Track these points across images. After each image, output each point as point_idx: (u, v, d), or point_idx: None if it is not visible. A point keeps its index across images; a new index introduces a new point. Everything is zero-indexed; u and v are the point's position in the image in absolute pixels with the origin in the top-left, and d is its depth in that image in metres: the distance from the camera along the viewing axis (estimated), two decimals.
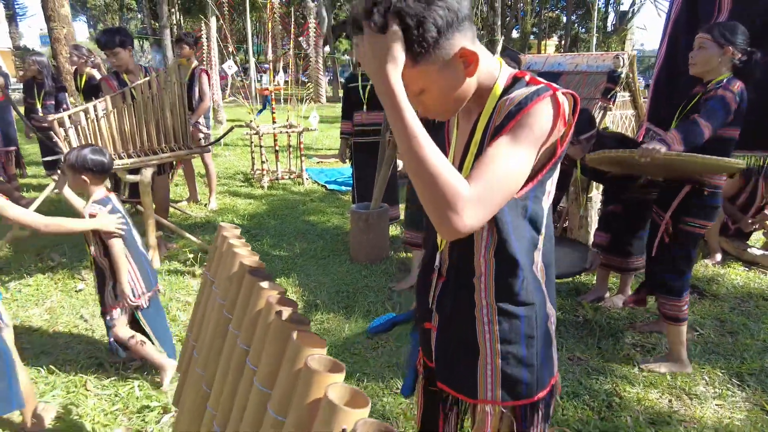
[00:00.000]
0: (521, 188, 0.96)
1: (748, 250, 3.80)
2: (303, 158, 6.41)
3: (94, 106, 3.03)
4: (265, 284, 1.14)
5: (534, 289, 1.05)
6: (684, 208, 2.31)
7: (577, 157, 2.76)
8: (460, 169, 1.02)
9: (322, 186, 6.32)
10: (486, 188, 0.85)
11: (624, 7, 35.66)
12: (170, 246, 4.00)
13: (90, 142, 3.06)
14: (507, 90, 0.95)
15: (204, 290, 1.58)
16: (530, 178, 0.96)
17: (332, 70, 25.50)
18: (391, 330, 1.34)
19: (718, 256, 3.83)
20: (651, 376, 2.37)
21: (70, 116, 2.92)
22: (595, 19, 18.38)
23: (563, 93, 0.91)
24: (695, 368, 2.43)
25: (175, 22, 23.38)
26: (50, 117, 2.84)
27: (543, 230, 1.04)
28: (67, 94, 5.62)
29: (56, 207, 5.24)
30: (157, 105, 3.30)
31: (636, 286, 2.86)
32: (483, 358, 1.06)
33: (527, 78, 0.96)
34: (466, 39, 0.90)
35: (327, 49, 22.19)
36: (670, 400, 2.22)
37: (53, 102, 5.05)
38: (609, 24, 34.13)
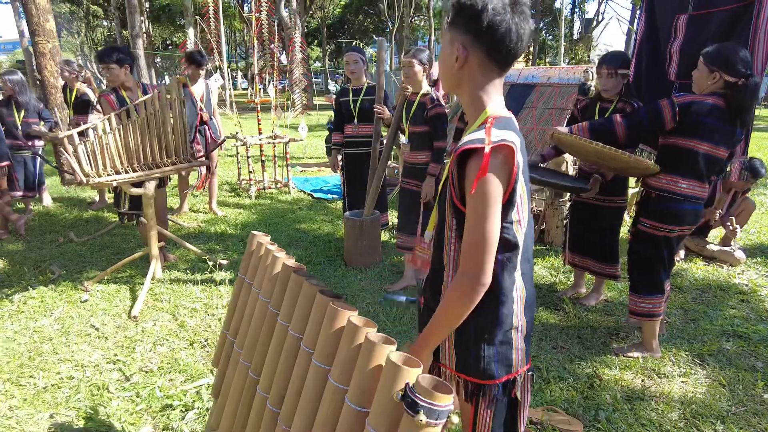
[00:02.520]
0: None
1: (707, 246, 4.17)
2: (289, 168, 6.59)
3: (102, 123, 3.17)
4: (313, 281, 1.36)
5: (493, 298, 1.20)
6: (640, 209, 2.62)
7: (611, 92, 2.96)
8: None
9: (309, 194, 6.51)
10: (472, 254, 1.11)
11: (589, 15, 36.87)
12: (170, 257, 4.13)
13: (96, 157, 3.19)
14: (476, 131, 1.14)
15: (240, 292, 1.77)
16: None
17: (308, 75, 25.56)
18: (402, 304, 1.49)
19: (682, 253, 4.19)
20: (626, 360, 2.67)
21: (79, 133, 3.05)
22: (563, 26, 19.03)
23: (494, 147, 1.08)
24: (663, 351, 2.73)
25: (144, 30, 23.18)
26: (61, 134, 2.97)
27: (518, 253, 1.20)
28: (49, 109, 5.67)
29: (46, 221, 5.29)
30: (159, 121, 3.45)
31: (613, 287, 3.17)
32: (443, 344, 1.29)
33: (489, 122, 1.13)
34: (470, 45, 1.14)
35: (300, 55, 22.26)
36: (642, 380, 2.52)
37: (37, 119, 5.08)
38: (575, 31, 35.29)
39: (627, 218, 5.03)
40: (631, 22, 28.74)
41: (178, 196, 5.69)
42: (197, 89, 4.99)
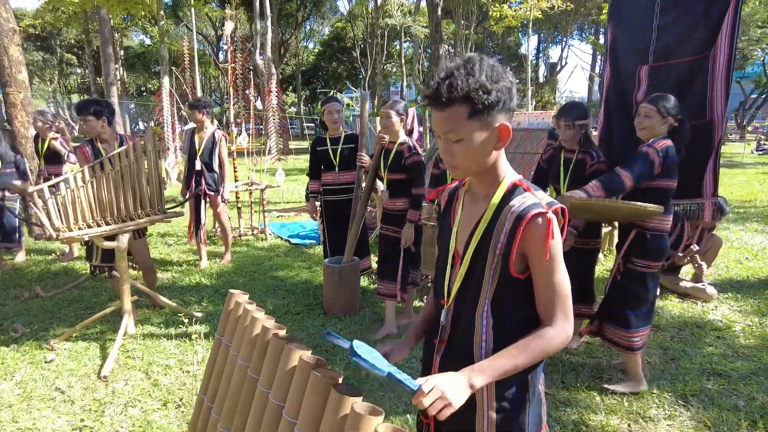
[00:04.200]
0: (525, 272, 1.18)
1: (681, 283, 4.26)
2: (266, 214, 6.54)
3: (74, 176, 3.11)
4: (293, 345, 1.32)
5: None
6: (632, 250, 2.69)
7: (571, 143, 3.10)
8: (466, 246, 1.23)
9: (286, 240, 6.45)
10: (563, 306, 1.17)
11: (553, 60, 38.71)
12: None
13: (68, 211, 3.11)
14: (508, 196, 1.18)
15: (218, 354, 1.71)
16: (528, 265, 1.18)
17: (283, 123, 25.92)
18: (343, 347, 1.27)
19: (657, 291, 4.27)
20: (611, 404, 2.65)
21: (50, 187, 2.99)
22: (529, 71, 19.89)
23: (553, 210, 1.13)
24: (648, 393, 2.73)
25: (119, 77, 23.30)
26: (30, 189, 2.90)
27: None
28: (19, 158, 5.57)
29: (11, 275, 5.09)
30: (133, 172, 3.41)
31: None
32: (480, 417, 1.23)
33: (524, 186, 1.18)
34: (508, 121, 1.15)
35: (275, 102, 22.59)
36: (629, 425, 2.49)
37: (14, 169, 4.99)
38: (541, 75, 36.87)
39: (601, 257, 5.12)
40: (593, 68, 30.25)
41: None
42: (205, 136, 5.03)
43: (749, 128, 30.41)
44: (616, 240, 3.05)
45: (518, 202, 1.15)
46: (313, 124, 27.92)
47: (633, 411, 2.59)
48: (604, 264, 5.02)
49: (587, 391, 2.78)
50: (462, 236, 1.26)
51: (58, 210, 3.08)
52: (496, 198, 1.19)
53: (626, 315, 2.71)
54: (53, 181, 3.12)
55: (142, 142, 3.46)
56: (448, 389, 1.05)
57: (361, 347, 1.11)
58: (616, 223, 3.29)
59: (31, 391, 2.89)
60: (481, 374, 1.11)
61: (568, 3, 17.79)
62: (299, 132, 37.02)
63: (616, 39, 3.53)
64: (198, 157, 5.01)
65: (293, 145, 21.31)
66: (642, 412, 2.58)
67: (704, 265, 4.22)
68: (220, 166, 5.11)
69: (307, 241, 6.27)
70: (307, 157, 4.67)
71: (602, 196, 2.46)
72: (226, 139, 5.14)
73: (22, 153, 5.71)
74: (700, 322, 3.69)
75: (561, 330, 1.15)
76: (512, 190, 1.19)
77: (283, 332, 1.40)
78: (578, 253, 3.12)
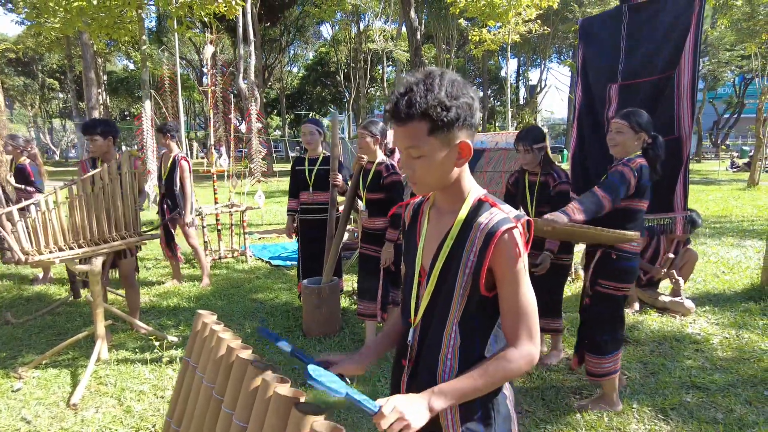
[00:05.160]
0: (493, 290, 1.16)
1: (660, 297, 4.30)
2: (246, 236, 6.49)
3: (45, 199, 3.06)
4: (257, 364, 1.29)
5: None
6: (598, 272, 2.64)
7: (531, 166, 3.14)
8: (433, 263, 1.20)
9: (266, 262, 6.38)
10: (528, 325, 1.14)
11: (533, 82, 39.59)
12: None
13: (39, 234, 3.05)
14: (474, 211, 1.16)
15: (185, 376, 1.66)
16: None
17: (265, 146, 26.06)
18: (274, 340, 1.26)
19: (636, 305, 4.30)
20: (591, 419, 2.63)
21: (20, 209, 2.93)
22: (509, 93, 20.28)
23: (521, 223, 1.13)
24: (627, 408, 2.72)
25: (101, 102, 23.23)
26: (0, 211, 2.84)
27: None
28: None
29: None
30: (108, 194, 3.37)
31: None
32: None
33: (490, 201, 1.17)
34: (469, 138, 1.13)
35: (260, 125, 22.70)
36: None
37: None
38: (521, 97, 37.63)
39: (575, 275, 5.16)
40: (571, 90, 31.02)
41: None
42: (169, 160, 5.07)
43: (723, 146, 31.30)
44: (583, 260, 3.04)
45: (486, 219, 1.13)
46: (299, 147, 28.05)
47: (613, 427, 2.58)
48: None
49: (567, 408, 2.76)
50: (428, 253, 1.24)
51: (28, 233, 3.02)
52: (462, 214, 1.17)
53: (602, 340, 2.64)
54: (23, 203, 3.06)
55: (117, 164, 3.43)
56: (408, 411, 1.03)
57: (316, 370, 1.09)
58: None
59: None
60: (441, 397, 1.09)
61: (545, 27, 18.30)
62: (284, 155, 37.08)
63: (586, 59, 3.63)
64: (163, 180, 5.10)
65: (277, 167, 21.30)
66: (622, 428, 2.57)
67: (681, 281, 4.27)
68: (182, 190, 5.08)
69: (288, 263, 6.21)
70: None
71: (582, 219, 2.36)
72: (188, 162, 5.12)
73: None
74: (679, 335, 3.72)
75: (524, 352, 1.12)
76: (479, 206, 1.17)
77: (248, 352, 1.37)
78: (550, 269, 3.13)
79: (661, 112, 3.21)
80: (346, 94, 37.54)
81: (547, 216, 2.34)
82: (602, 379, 2.66)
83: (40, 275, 5.59)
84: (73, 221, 3.22)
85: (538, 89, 36.63)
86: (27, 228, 3.01)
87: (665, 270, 4.31)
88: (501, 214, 1.13)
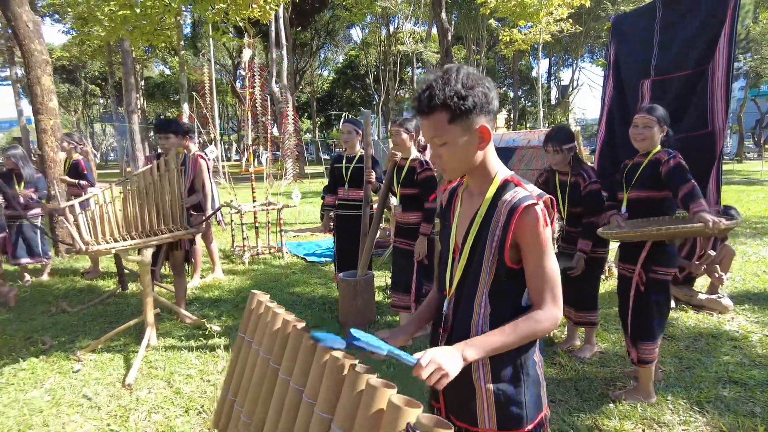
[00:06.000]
0: (519, 263, 1.26)
1: (696, 295, 4.25)
2: (282, 233, 6.69)
3: (102, 193, 3.29)
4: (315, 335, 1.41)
5: None
6: (652, 259, 2.65)
7: (561, 166, 3.17)
8: (464, 239, 1.34)
9: (302, 258, 6.57)
10: (553, 291, 1.25)
11: (564, 82, 38.96)
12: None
13: (97, 227, 3.28)
14: (501, 191, 1.27)
15: (240, 351, 1.80)
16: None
17: (298, 148, 26.52)
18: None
19: (672, 303, 4.26)
20: (625, 409, 2.66)
21: (81, 203, 3.15)
22: (540, 93, 20.09)
23: (543, 201, 1.22)
24: (662, 400, 2.74)
25: (139, 106, 24.19)
26: (63, 204, 3.07)
27: None
28: (48, 182, 5.84)
29: (39, 291, 5.27)
30: (157, 190, 3.58)
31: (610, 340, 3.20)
32: (480, 395, 1.31)
33: (515, 181, 1.27)
34: (488, 123, 1.25)
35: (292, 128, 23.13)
36: (643, 429, 2.51)
37: (34, 189, 5.25)
38: (552, 97, 37.08)
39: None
40: (604, 87, 30.39)
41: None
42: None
43: (766, 145, 30.01)
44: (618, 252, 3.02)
45: (510, 197, 1.24)
46: (337, 148, 28.41)
47: (647, 417, 2.61)
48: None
49: (600, 398, 2.80)
50: (460, 231, 1.36)
51: (87, 225, 3.25)
52: (490, 193, 1.29)
53: (653, 325, 2.69)
54: (83, 197, 3.30)
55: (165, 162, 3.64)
56: (444, 360, 1.14)
57: (358, 332, 1.20)
58: None
59: (60, 397, 3.01)
60: (473, 347, 1.20)
61: (577, 26, 18.05)
62: (314, 157, 37.63)
63: (617, 55, 3.65)
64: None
65: (309, 169, 21.65)
66: (656, 418, 2.59)
67: (724, 276, 4.20)
68: (202, 188, 4.99)
69: (323, 259, 6.38)
70: (323, 180, 4.82)
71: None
72: (205, 161, 5.00)
73: (49, 175, 5.99)
74: (716, 332, 3.68)
75: (550, 314, 1.23)
76: (504, 186, 1.28)
77: (302, 324, 1.50)
78: (586, 262, 3.16)
79: (694, 107, 3.22)
80: (376, 97, 37.80)
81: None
82: (648, 366, 2.70)
83: (90, 268, 5.92)
84: (125, 214, 3.44)
85: (570, 89, 36.05)
86: (86, 220, 3.23)
87: (705, 266, 4.25)
88: (524, 192, 1.24)
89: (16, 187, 5.23)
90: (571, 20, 16.30)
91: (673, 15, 3.35)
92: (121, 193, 3.44)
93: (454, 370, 1.15)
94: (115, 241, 3.41)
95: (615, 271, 5.10)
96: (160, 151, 4.23)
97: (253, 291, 1.85)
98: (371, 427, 1.08)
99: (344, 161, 4.24)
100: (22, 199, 5.14)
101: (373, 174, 3.96)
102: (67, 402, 2.96)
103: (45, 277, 5.73)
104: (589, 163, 5.15)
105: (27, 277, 5.57)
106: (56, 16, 22.40)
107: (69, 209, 3.12)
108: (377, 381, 1.12)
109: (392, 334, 1.43)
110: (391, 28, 30.57)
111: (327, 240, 7.60)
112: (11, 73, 19.35)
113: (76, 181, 5.55)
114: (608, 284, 4.96)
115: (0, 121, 44.74)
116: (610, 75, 3.79)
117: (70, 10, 14.46)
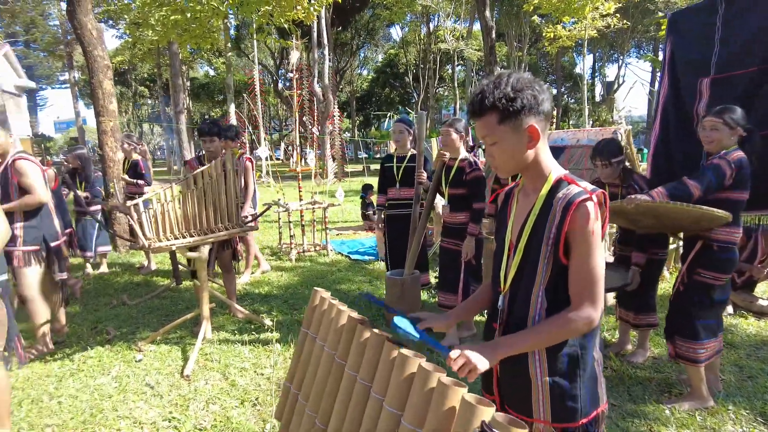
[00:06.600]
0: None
1: (756, 302, 4.07)
2: (327, 231, 6.82)
3: (164, 192, 3.46)
4: (376, 331, 1.47)
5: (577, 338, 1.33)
6: (698, 262, 2.65)
7: (609, 179, 3.14)
8: (519, 235, 1.37)
9: (346, 256, 6.67)
10: (592, 291, 1.27)
11: (610, 78, 37.76)
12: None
13: (158, 224, 3.45)
14: (555, 189, 1.31)
15: (304, 346, 1.88)
16: None
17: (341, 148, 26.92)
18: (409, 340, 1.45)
19: (730, 308, 4.10)
20: (682, 417, 2.60)
21: (144, 202, 3.33)
22: (585, 90, 19.57)
23: (596, 195, 1.25)
24: (722, 409, 2.65)
25: (186, 106, 25.10)
26: (129, 203, 3.25)
27: None
28: (107, 180, 6.19)
29: (101, 284, 5.57)
30: (214, 189, 3.73)
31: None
32: (535, 387, 1.36)
33: (568, 179, 1.32)
34: (538, 123, 1.29)
35: (336, 128, 23.43)
36: None
37: (96, 188, 5.62)
38: (597, 94, 36.01)
39: (667, 275, 4.98)
40: (652, 84, 29.31)
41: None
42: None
43: None
44: (681, 252, 2.99)
45: (563, 194, 1.28)
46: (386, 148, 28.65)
47: (707, 426, 2.54)
48: (669, 281, 4.87)
49: (655, 404, 2.74)
50: (516, 229, 1.41)
51: (149, 222, 3.43)
52: (544, 191, 1.33)
53: (694, 325, 2.66)
54: (146, 196, 3.48)
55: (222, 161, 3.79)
56: (473, 356, 1.24)
57: (398, 320, 1.39)
58: (681, 235, 3.24)
59: (126, 385, 3.19)
60: (504, 346, 1.29)
61: (625, 21, 17.47)
62: (353, 156, 37.97)
63: (674, 53, 3.54)
64: None
65: (348, 168, 21.88)
66: (716, 428, 2.52)
67: None
68: (245, 188, 4.95)
69: (366, 257, 6.46)
70: (362, 179, 4.88)
71: (665, 200, 2.46)
72: (251, 162, 5.06)
73: (108, 174, 6.34)
74: None
75: (584, 315, 1.26)
76: (558, 184, 1.32)
77: (368, 322, 1.55)
78: (650, 265, 3.11)
79: (759, 106, 3.09)
80: (414, 95, 37.75)
81: (631, 196, 2.48)
82: (690, 364, 2.65)
83: (145, 263, 6.21)
84: (185, 213, 3.60)
85: (616, 86, 34.92)
86: (149, 218, 3.41)
87: (766, 272, 4.07)
88: (577, 189, 1.28)
89: (78, 186, 5.57)
90: (617, 15, 15.80)
91: (736, 8, 3.22)
92: (180, 192, 3.60)
93: (482, 365, 1.24)
94: (175, 238, 3.58)
95: (667, 275, 4.96)
96: (203, 152, 4.36)
97: (315, 288, 1.93)
98: (444, 425, 1.11)
99: (395, 161, 4.29)
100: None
101: (424, 173, 3.99)
102: (132, 389, 3.14)
103: (104, 269, 6.07)
104: (640, 169, 5.04)
105: (89, 268, 5.91)
106: (110, 21, 23.49)
107: (134, 208, 3.29)
108: (448, 379, 1.15)
109: (433, 317, 1.54)
110: (431, 26, 30.44)
111: (370, 238, 7.68)
112: (70, 77, 20.42)
113: (135, 180, 5.84)
114: (661, 287, 4.81)
115: (59, 122, 47.31)
116: (666, 73, 3.68)
117: (125, 16, 15.13)
